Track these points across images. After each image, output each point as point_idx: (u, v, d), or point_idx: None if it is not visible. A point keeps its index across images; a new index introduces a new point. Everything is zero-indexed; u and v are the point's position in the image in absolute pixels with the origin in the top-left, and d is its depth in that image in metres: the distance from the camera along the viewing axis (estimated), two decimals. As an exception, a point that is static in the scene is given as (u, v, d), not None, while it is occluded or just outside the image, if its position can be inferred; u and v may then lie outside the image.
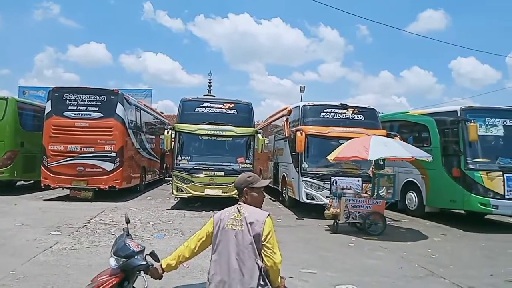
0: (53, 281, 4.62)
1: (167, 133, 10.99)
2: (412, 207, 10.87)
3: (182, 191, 10.84)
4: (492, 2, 51.43)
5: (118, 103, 11.72)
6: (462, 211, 10.50)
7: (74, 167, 11.33)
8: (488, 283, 5.25)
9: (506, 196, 8.76)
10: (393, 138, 9.72)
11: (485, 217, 10.56)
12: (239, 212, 2.36)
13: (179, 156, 11.10)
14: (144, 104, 16.68)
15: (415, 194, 10.77)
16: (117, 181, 11.53)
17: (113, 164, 11.47)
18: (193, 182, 10.72)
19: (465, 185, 9.08)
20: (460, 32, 56.42)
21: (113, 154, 11.48)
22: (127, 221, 2.86)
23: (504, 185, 8.77)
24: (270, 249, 2.26)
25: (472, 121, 8.96)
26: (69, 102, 11.54)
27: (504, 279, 5.43)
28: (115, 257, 2.48)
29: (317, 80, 66.49)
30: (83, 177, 11.35)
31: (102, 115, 11.56)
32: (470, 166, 9.04)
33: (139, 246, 2.56)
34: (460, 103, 33.74)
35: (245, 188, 2.45)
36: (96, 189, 11.54)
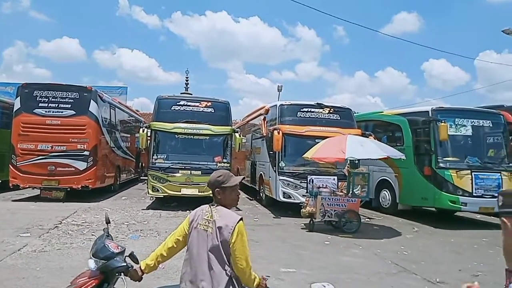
0: (21, 285, 4.45)
1: (143, 131, 10.81)
2: (385, 205, 11.13)
3: (158, 190, 10.69)
4: (462, 7, 53.47)
5: (92, 100, 11.42)
6: (433, 209, 10.85)
7: (45, 166, 10.96)
8: (456, 277, 5.44)
9: (474, 194, 9.12)
10: (368, 137, 9.92)
11: (455, 214, 10.95)
12: (211, 214, 2.30)
13: (155, 155, 10.94)
14: (119, 102, 16.33)
15: (388, 192, 11.03)
16: (90, 181, 11.23)
17: (86, 163, 11.17)
18: (169, 181, 10.58)
19: (436, 183, 9.39)
20: (432, 35, 58.38)
21: (86, 153, 11.17)
22: (107, 222, 2.80)
23: (472, 183, 9.13)
24: (237, 256, 2.19)
25: (443, 121, 9.26)
26: (40, 99, 11.15)
27: (471, 273, 5.65)
28: (94, 258, 2.43)
29: (294, 79, 67.06)
30: (55, 177, 10.99)
31: (74, 112, 11.23)
32: (441, 165, 9.36)
33: (119, 247, 2.51)
34: (432, 104, 34.82)
35: (217, 189, 2.35)
36: (68, 189, 11.20)
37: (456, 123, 9.65)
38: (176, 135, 10.99)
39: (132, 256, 2.49)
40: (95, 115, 11.44)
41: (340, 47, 65.45)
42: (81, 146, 11.16)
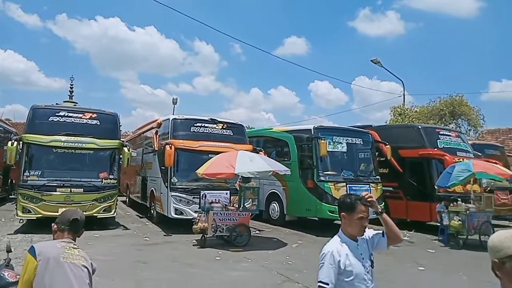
0: None
1: (12, 144, 9.41)
2: (274, 217, 11.71)
3: (29, 211, 9.38)
4: (341, 36, 60.47)
5: None
6: (316, 218, 11.81)
7: None
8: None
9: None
10: (258, 153, 10.37)
11: (334, 222, 12.08)
12: (74, 247, 2.32)
13: (27, 171, 9.62)
14: (-17, 109, 14.04)
15: (277, 204, 11.65)
16: None
17: None
18: (45, 201, 9.38)
19: (317, 195, 10.26)
20: (318, 58, 64.32)
21: None
22: (8, 251, 2.80)
23: (347, 194, 10.21)
24: None
25: (323, 138, 10.23)
26: None
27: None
28: None
29: (192, 92, 66.39)
30: None
31: None
32: (321, 178, 10.28)
33: (17, 276, 2.47)
34: (317, 121, 38.14)
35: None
36: None
37: (334, 140, 10.74)
38: (54, 149, 9.84)
39: None
40: None
41: (237, 64, 67.47)
42: None
